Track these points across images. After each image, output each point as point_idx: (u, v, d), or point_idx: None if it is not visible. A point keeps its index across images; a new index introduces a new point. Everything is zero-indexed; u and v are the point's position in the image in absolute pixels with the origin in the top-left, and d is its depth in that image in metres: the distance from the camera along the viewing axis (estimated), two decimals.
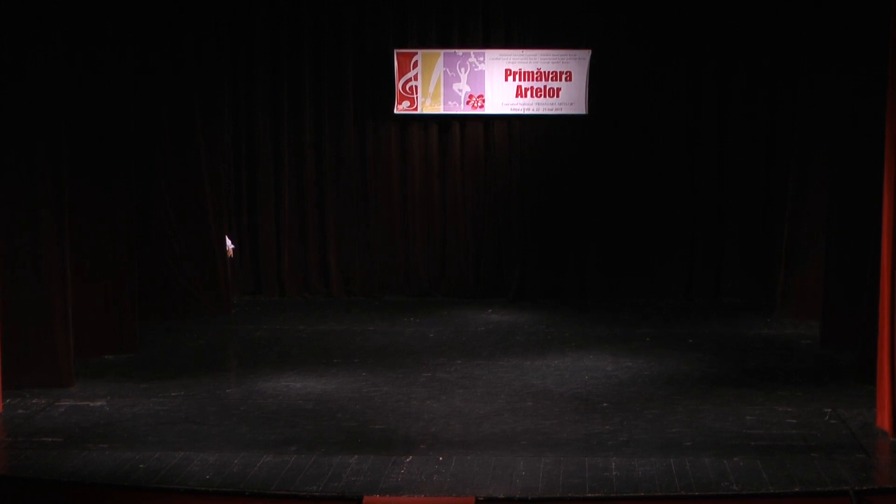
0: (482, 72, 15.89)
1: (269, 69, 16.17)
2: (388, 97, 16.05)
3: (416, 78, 15.93)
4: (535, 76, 15.90)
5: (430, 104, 15.96)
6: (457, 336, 13.14)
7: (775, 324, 13.69)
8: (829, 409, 9.52)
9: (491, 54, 15.89)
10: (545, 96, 15.92)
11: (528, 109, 15.93)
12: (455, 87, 15.93)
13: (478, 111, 15.98)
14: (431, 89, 15.95)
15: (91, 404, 9.80)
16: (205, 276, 14.58)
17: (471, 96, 15.94)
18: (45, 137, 10.32)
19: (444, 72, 15.90)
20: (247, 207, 16.28)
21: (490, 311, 14.98)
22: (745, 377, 10.90)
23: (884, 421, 8.79)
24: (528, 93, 15.92)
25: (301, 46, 16.14)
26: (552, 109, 15.89)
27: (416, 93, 15.95)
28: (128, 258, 12.02)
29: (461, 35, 16.10)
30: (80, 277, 11.22)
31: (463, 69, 15.90)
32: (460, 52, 15.91)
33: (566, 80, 15.88)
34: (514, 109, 15.95)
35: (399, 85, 15.94)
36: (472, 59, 15.90)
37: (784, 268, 14.14)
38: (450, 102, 15.97)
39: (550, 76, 15.89)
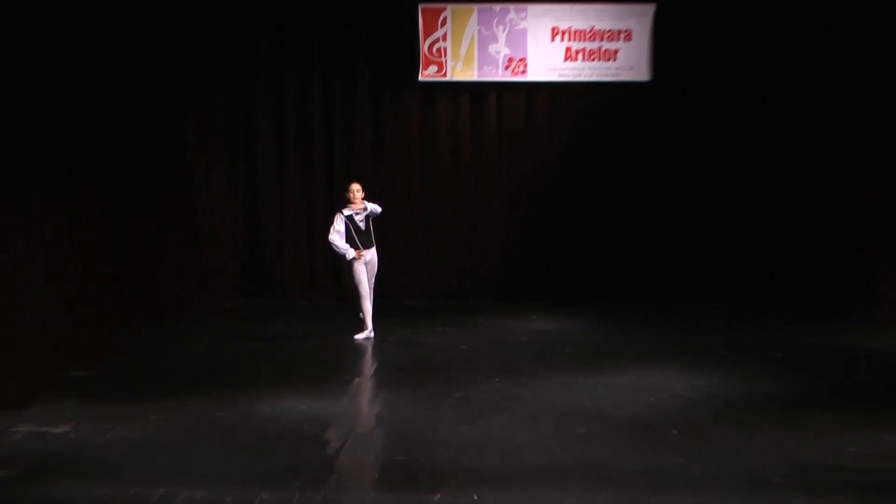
0: (524, 30, 15.77)
1: (273, 30, 16.15)
2: (411, 62, 15.97)
3: (444, 38, 15.82)
4: (588, 36, 15.76)
5: (462, 69, 15.88)
6: (493, 348, 13.09)
7: (874, 334, 13.56)
8: None
9: (534, 10, 15.76)
10: (600, 60, 15.79)
11: (580, 75, 15.83)
12: (491, 48, 15.81)
13: (518, 78, 15.89)
14: (463, 52, 15.83)
15: (53, 430, 9.65)
16: (196, 278, 14.67)
17: (510, 60, 15.83)
18: (18, 141, 10.41)
19: (479, 31, 15.79)
20: (244, 196, 16.31)
21: (534, 317, 14.96)
22: (843, 398, 10.70)
23: None
24: (580, 56, 15.80)
25: (307, 3, 16.08)
26: (608, 75, 15.79)
27: (445, 56, 15.84)
28: (103, 259, 12.04)
29: None
30: (45, 280, 11.19)
31: (501, 27, 15.77)
32: (497, 7, 15.78)
33: (625, 40, 15.74)
34: (562, 75, 15.85)
35: (424, 47, 15.85)
36: (512, 15, 15.78)
37: (882, 270, 14.02)
38: (485, 67, 15.87)
39: (606, 36, 15.76)
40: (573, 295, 15.94)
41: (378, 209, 13.54)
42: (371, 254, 13.67)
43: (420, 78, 15.94)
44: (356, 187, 13.52)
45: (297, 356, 12.75)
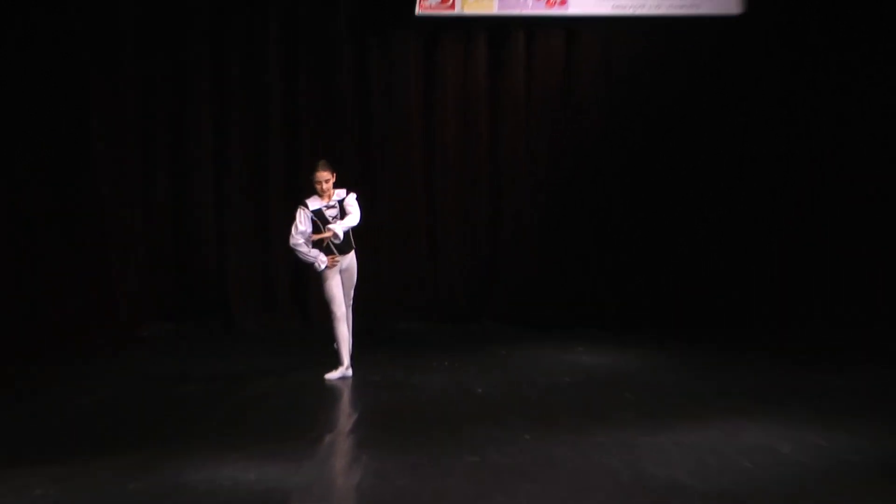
0: None
1: None
2: None
3: None
4: None
5: (476, 0, 15.82)
6: (521, 392, 13.04)
7: None
8: None
9: None
10: None
11: (640, 8, 15.84)
12: None
13: (556, 11, 15.92)
14: None
15: None
16: (99, 295, 14.88)
17: None
18: None
19: None
20: (169, 184, 16.29)
21: (579, 348, 14.99)
22: None
23: None
24: None
25: None
26: (683, 7, 15.77)
27: None
28: None
29: None
30: None
31: None
32: None
33: None
34: (618, 7, 15.87)
35: None
36: None
37: None
38: None
39: None
40: (633, 318, 15.86)
41: (354, 220, 13.40)
42: (349, 260, 13.60)
43: (417, 11, 15.89)
44: (324, 176, 13.34)
45: (243, 404, 12.67)
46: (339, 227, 13.22)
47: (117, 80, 15.99)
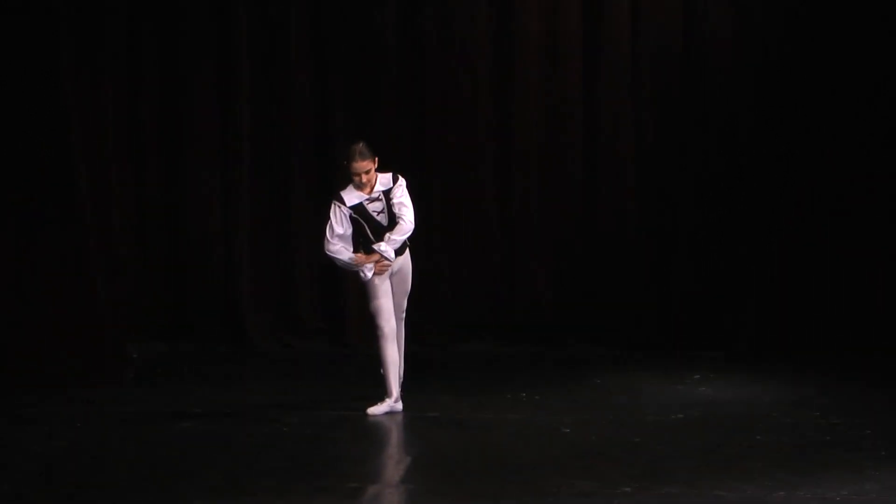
0: None
1: None
2: None
3: None
4: None
5: None
6: (619, 433, 12.79)
7: None
8: None
9: None
10: None
11: None
12: None
13: None
14: None
15: None
16: (74, 311, 14.67)
17: None
18: None
19: None
20: (163, 170, 16.49)
21: (695, 376, 14.89)
22: None
23: None
24: None
25: None
26: None
27: None
28: None
29: None
30: None
31: None
32: None
33: None
34: None
35: None
36: None
37: None
38: None
39: None
40: (770, 341, 15.58)
41: (406, 229, 13.18)
42: (401, 261, 13.40)
43: None
44: (363, 167, 13.04)
45: (260, 447, 12.45)
46: (388, 248, 13.04)
47: (98, 46, 15.86)
